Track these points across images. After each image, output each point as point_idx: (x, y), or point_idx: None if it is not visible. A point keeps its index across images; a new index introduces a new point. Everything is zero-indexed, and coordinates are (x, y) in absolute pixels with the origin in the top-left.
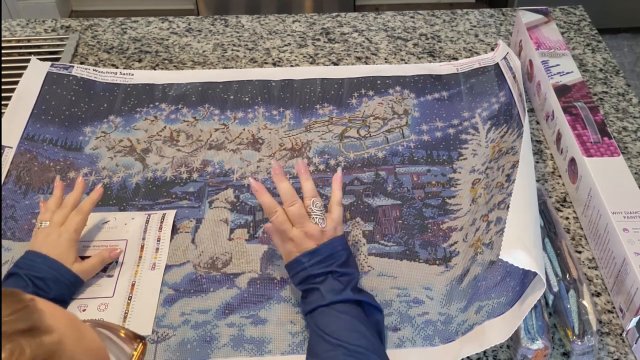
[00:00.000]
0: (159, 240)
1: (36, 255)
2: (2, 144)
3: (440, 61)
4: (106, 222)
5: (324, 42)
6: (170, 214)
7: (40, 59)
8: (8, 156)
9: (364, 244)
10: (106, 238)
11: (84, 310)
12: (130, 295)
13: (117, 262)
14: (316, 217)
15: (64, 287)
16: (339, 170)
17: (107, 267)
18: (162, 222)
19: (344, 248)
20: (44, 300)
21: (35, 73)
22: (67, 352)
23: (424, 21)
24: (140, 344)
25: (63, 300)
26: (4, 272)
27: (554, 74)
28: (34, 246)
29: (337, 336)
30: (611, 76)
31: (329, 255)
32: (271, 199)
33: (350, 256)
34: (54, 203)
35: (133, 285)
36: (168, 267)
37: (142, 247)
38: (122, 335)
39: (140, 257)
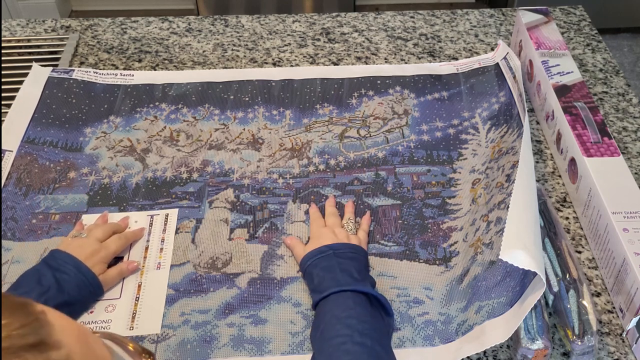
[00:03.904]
0: (163, 240)
1: (69, 258)
2: (3, 147)
3: (440, 61)
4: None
5: (324, 42)
6: (173, 215)
7: (40, 59)
8: (8, 159)
9: None
10: None
11: (91, 312)
12: (138, 295)
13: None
14: (347, 227)
15: (87, 293)
16: (368, 213)
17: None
18: (165, 223)
19: (365, 256)
20: (55, 311)
21: (36, 79)
22: None
23: (424, 21)
24: (149, 358)
25: (85, 307)
26: (4, 272)
27: (554, 74)
28: (66, 249)
29: (350, 322)
30: (611, 76)
31: (352, 252)
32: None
33: (368, 266)
34: (100, 221)
35: (140, 285)
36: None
37: (146, 248)
38: (131, 348)
39: (145, 257)
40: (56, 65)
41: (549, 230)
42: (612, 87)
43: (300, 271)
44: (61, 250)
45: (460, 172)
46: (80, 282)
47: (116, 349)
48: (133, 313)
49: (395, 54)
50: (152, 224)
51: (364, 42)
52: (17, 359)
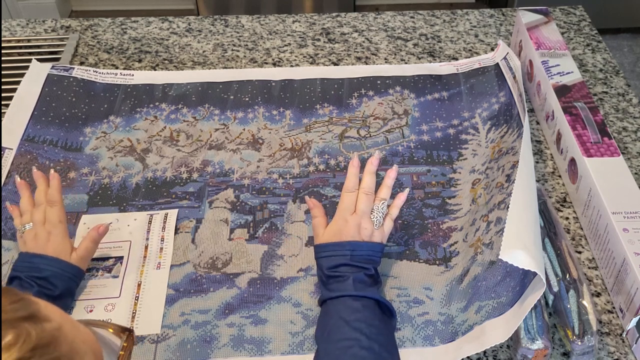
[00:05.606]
0: (162, 240)
1: (33, 256)
2: (3, 145)
3: (440, 61)
4: (108, 224)
5: (324, 42)
6: (173, 214)
7: (40, 59)
8: (8, 158)
9: None
10: (109, 240)
11: (90, 311)
12: (137, 295)
13: (121, 262)
14: (375, 217)
15: (67, 280)
16: (407, 190)
17: (112, 268)
18: (165, 222)
19: (380, 256)
20: (35, 297)
21: (35, 75)
22: (68, 338)
23: (424, 21)
24: (128, 334)
25: (70, 293)
26: (3, 272)
27: (554, 74)
28: (27, 249)
29: (358, 326)
30: (611, 76)
31: (370, 254)
32: (357, 179)
33: (380, 261)
34: (27, 203)
35: (139, 285)
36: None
37: (146, 247)
38: (110, 330)
39: (145, 257)
40: None
41: (549, 230)
42: (612, 87)
43: (301, 271)
44: (26, 253)
45: (460, 172)
46: (56, 274)
47: (97, 330)
48: (133, 312)
49: (395, 54)
50: (150, 221)
51: (364, 42)
52: (14, 329)
